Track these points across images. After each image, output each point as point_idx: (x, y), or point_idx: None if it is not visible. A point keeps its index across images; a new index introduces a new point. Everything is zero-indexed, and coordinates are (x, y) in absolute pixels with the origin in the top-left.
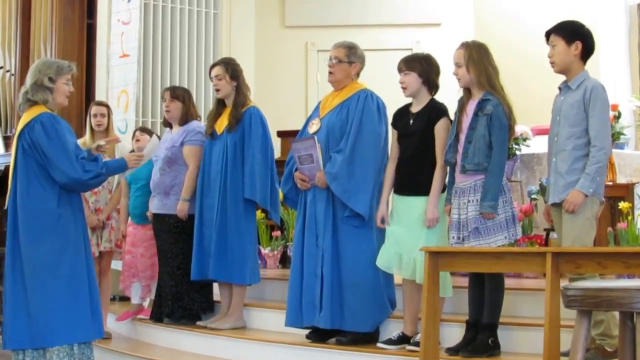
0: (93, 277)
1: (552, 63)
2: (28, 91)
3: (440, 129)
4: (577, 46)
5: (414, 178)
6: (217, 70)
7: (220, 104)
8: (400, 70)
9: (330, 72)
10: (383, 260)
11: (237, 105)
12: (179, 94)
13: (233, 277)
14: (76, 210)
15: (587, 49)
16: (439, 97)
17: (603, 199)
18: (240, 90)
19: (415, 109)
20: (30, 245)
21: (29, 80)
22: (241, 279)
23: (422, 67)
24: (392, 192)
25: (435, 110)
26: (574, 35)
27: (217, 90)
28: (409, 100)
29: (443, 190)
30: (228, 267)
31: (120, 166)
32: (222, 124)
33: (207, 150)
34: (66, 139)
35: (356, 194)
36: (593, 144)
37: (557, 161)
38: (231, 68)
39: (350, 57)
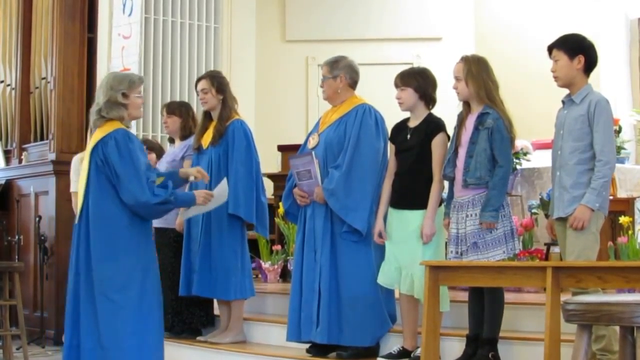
0: (161, 300)
1: (555, 77)
2: (102, 109)
3: (437, 143)
4: (580, 60)
5: (410, 192)
6: (202, 84)
7: (207, 117)
8: (396, 85)
9: (322, 91)
10: (384, 278)
11: (221, 119)
12: (174, 108)
13: (216, 292)
14: (147, 229)
15: (590, 63)
16: (439, 111)
17: (607, 213)
18: (227, 103)
19: (412, 123)
20: (102, 263)
21: (101, 97)
22: (225, 294)
23: (418, 83)
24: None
25: (433, 125)
26: (576, 49)
27: (204, 103)
28: (409, 114)
29: (440, 205)
30: (211, 282)
31: (188, 200)
32: (207, 138)
33: (194, 165)
34: (139, 159)
35: (354, 210)
36: (598, 159)
37: (561, 175)
38: (217, 81)
39: (333, 71)
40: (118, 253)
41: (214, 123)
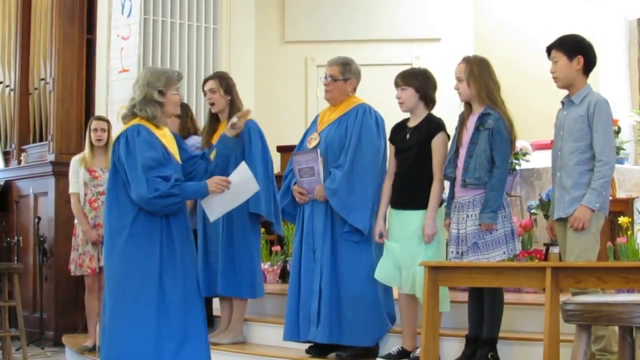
0: (171, 307)
1: (554, 79)
2: (136, 105)
3: (437, 143)
4: (579, 61)
5: (410, 192)
6: (210, 84)
7: (213, 118)
8: (397, 85)
9: (326, 90)
10: (382, 274)
11: None
12: None
13: (243, 292)
14: (153, 230)
15: (589, 63)
16: (438, 111)
17: (607, 213)
18: (234, 104)
19: (412, 123)
20: (107, 260)
21: (137, 92)
22: (251, 293)
23: (419, 83)
24: (389, 206)
25: (433, 125)
26: (575, 50)
27: (212, 104)
28: (408, 115)
29: (440, 205)
30: (237, 282)
31: (199, 189)
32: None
33: None
34: (142, 153)
35: (356, 210)
36: (598, 159)
37: (561, 176)
38: (225, 82)
39: (345, 74)
40: (116, 254)
41: (224, 123)
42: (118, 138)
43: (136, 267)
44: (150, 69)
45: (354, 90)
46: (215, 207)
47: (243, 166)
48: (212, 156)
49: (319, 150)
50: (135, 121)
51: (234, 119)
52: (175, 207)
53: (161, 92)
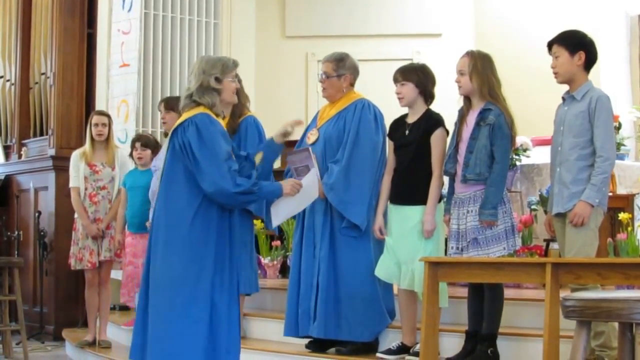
0: (221, 308)
1: (555, 74)
2: (193, 93)
3: (436, 139)
4: (581, 56)
5: (409, 188)
6: None
7: None
8: (396, 80)
9: (322, 88)
10: (382, 271)
11: (234, 115)
12: (174, 105)
13: None
14: (210, 228)
15: (590, 59)
16: (438, 107)
17: (606, 209)
18: (239, 100)
19: (411, 119)
20: (159, 255)
21: (193, 81)
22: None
23: (418, 78)
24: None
25: (431, 121)
26: (577, 46)
27: None
28: (407, 110)
29: (440, 200)
30: None
31: (275, 190)
32: None
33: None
34: (220, 145)
35: (353, 205)
36: (599, 155)
37: (561, 171)
38: None
39: (338, 70)
40: (172, 249)
41: (225, 119)
42: (182, 124)
43: (195, 262)
44: (206, 57)
45: (351, 85)
46: (281, 212)
47: (315, 171)
48: (257, 159)
49: (310, 149)
50: (200, 109)
51: (289, 128)
52: (248, 205)
53: (217, 79)
